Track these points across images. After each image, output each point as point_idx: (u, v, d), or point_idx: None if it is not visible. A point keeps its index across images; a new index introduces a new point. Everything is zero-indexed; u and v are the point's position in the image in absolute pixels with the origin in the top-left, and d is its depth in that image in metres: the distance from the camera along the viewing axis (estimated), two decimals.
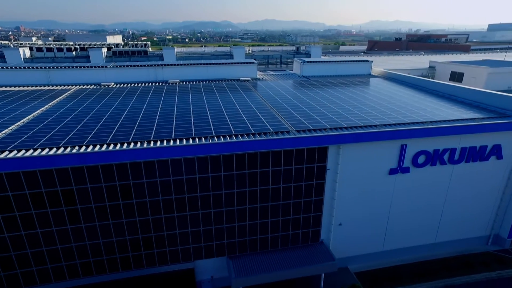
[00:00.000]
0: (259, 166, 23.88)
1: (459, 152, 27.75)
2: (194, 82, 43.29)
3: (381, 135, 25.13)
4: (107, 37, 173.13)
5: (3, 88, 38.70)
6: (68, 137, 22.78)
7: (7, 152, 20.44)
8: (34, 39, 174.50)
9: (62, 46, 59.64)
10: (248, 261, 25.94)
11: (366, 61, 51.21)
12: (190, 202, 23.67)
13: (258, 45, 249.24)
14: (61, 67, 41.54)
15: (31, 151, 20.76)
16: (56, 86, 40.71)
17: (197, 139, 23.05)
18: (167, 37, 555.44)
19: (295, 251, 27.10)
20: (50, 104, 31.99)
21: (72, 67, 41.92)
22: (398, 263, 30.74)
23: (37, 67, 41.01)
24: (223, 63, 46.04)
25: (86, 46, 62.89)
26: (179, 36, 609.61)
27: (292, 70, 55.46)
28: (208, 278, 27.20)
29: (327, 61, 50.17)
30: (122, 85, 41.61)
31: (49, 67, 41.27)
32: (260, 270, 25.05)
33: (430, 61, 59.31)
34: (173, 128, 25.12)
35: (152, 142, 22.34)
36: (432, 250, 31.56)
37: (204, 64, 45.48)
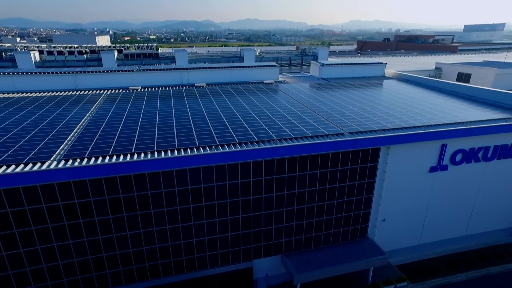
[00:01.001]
0: (319, 167, 25.14)
1: (492, 150, 29.87)
2: (221, 85, 44.01)
3: (426, 136, 26.83)
4: (96, 38, 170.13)
5: (36, 94, 38.33)
6: (135, 143, 23.33)
7: (84, 159, 20.88)
8: (18, 39, 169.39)
9: (74, 49, 58.91)
10: (303, 258, 27.16)
11: (380, 63, 53.26)
12: (254, 203, 24.67)
13: (248, 45, 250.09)
14: (88, 72, 41.45)
15: (108, 157, 21.26)
16: (84, 91, 40.58)
17: (261, 143, 24.04)
18: (151, 37, 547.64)
19: (345, 247, 28.53)
20: (92, 109, 32.12)
21: (99, 71, 41.87)
22: (432, 255, 32.68)
23: (64, 72, 40.75)
24: (247, 66, 46.95)
25: (97, 49, 62.32)
26: (162, 36, 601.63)
27: (306, 72, 56.90)
28: (263, 276, 28.23)
29: (344, 64, 51.89)
30: (150, 89, 41.86)
31: (76, 72, 41.10)
32: (317, 266, 26.32)
33: (436, 62, 62.14)
34: (232, 132, 25.97)
35: (218, 147, 23.19)
36: (463, 242, 33.66)
37: (228, 67, 46.27)
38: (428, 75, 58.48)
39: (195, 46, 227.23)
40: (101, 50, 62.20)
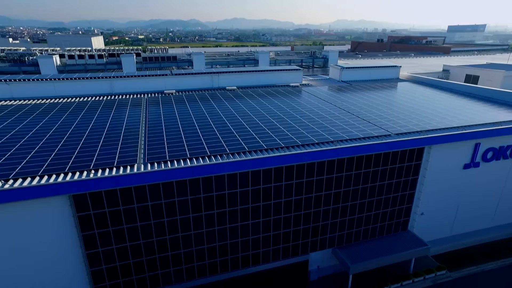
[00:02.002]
0: (372, 166, 27.36)
1: None
2: (252, 88, 45.82)
3: (464, 136, 29.40)
4: (92, 39, 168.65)
5: (79, 99, 39.33)
6: (206, 146, 25.04)
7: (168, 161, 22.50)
8: (11, 39, 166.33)
9: (94, 53, 59.54)
10: (354, 250, 29.35)
11: (395, 66, 56.03)
12: (316, 200, 26.70)
13: (242, 46, 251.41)
14: (124, 77, 42.62)
15: (200, 159, 22.93)
16: (121, 95, 41.77)
17: (322, 145, 26.09)
18: (139, 36, 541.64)
19: (389, 239, 30.86)
20: (142, 113, 33.44)
21: (135, 76, 43.10)
22: (462, 246, 35.37)
23: (100, 77, 41.84)
24: (273, 70, 48.91)
25: (116, 52, 63.05)
26: (151, 36, 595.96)
27: (323, 75, 59.19)
28: (315, 268, 30.29)
29: (362, 67, 54.41)
30: (184, 92, 43.34)
31: (112, 77, 42.23)
32: (368, 257, 28.54)
33: (444, 65, 65.48)
34: (290, 135, 27.92)
35: (287, 149, 25.14)
36: (489, 233, 36.46)
37: (256, 71, 48.14)
38: (437, 77, 61.66)
39: (190, 47, 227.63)
40: (120, 53, 63.02)
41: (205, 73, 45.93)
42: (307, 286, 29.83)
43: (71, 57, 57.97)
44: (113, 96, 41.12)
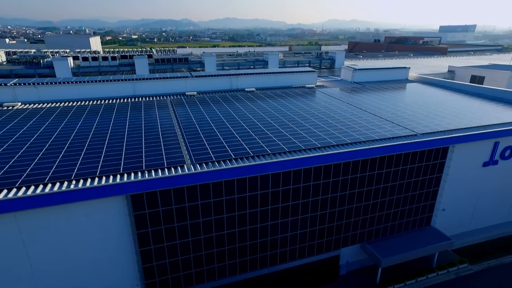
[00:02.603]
0: (401, 165, 28.74)
1: None
2: (270, 90, 46.97)
3: (486, 135, 30.96)
4: (90, 39, 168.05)
5: (104, 102, 40.02)
6: (248, 147, 26.14)
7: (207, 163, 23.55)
8: (8, 40, 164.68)
9: (107, 55, 60.00)
10: (383, 245, 30.71)
11: (404, 67, 57.71)
12: (349, 197, 27.99)
13: (239, 46, 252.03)
14: (145, 79, 43.39)
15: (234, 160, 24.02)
16: (143, 97, 42.57)
17: (353, 145, 27.40)
18: (133, 36, 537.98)
19: (415, 233, 32.29)
20: (172, 114, 34.34)
21: (156, 78, 43.90)
22: (480, 240, 36.96)
23: (123, 79, 42.56)
24: (290, 72, 50.11)
25: (128, 54, 63.57)
26: (144, 35, 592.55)
27: (334, 76, 60.60)
28: (345, 263, 31.59)
29: (373, 69, 55.95)
30: (204, 94, 44.29)
31: (135, 79, 42.98)
32: (397, 251, 29.93)
33: (449, 65, 67.48)
34: (323, 135, 29.16)
35: (324, 149, 26.38)
36: (505, 228, 38.17)
37: (273, 73, 49.24)
38: (443, 78, 63.54)
39: (188, 47, 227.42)
40: (132, 55, 63.59)
41: (224, 75, 46.94)
42: (337, 280, 31.11)
43: (84, 59, 58.36)
44: (136, 98, 41.91)
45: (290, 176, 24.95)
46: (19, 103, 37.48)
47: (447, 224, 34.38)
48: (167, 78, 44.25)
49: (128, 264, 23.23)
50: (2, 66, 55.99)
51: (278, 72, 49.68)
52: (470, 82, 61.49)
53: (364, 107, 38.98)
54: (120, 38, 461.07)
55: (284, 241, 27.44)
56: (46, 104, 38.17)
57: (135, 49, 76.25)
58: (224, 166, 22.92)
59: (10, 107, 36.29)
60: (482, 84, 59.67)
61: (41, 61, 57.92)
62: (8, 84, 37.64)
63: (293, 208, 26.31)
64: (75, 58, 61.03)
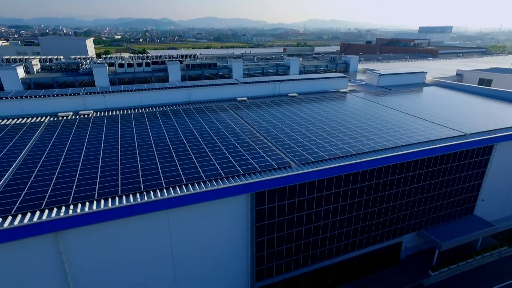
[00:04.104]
0: (456, 161, 33.27)
1: None
2: (310, 94, 50.87)
3: None
4: (86, 42, 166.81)
5: (162, 108, 42.73)
6: (330, 149, 29.94)
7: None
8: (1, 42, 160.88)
9: (141, 61, 62.04)
10: (438, 231, 35.15)
11: (422, 72, 62.93)
12: (415, 191, 32.25)
13: (232, 47, 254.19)
14: (200, 86, 46.34)
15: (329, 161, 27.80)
16: (198, 103, 45.55)
17: (417, 145, 31.69)
18: (116, 37, 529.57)
19: (461, 221, 36.94)
20: (242, 119, 37.60)
21: (209, 85, 46.92)
22: (509, 227, 42.11)
23: (180, 87, 45.38)
24: (325, 78, 54.12)
25: (159, 60, 65.74)
26: (127, 35, 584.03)
27: (356, 80, 65.16)
28: (404, 248, 35.89)
29: (396, 73, 60.77)
30: (254, 99, 47.68)
31: (189, 86, 45.88)
32: (453, 236, 34.42)
33: (457, 69, 73.42)
34: (387, 136, 33.27)
35: (395, 149, 30.52)
36: None
37: (311, 79, 53.15)
38: (453, 81, 69.28)
39: (183, 49, 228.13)
40: (164, 61, 65.90)
41: (268, 81, 50.46)
42: (398, 263, 35.34)
43: (120, 65, 60.27)
44: (191, 104, 44.84)
45: (366, 174, 28.90)
46: (91, 111, 39.74)
47: (485, 212, 39.25)
48: (218, 84, 47.32)
49: (243, 254, 26.55)
50: (44, 74, 57.24)
51: (315, 78, 53.58)
52: (478, 85, 67.39)
53: (405, 110, 43.42)
54: (104, 39, 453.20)
55: (362, 230, 31.40)
56: (112, 111, 40.56)
57: (170, 55, 78.01)
58: (326, 166, 26.54)
59: (86, 115, 38.57)
60: (490, 87, 65.65)
61: (80, 68, 59.47)
62: (80, 94, 39.84)
63: (372, 201, 30.29)
64: (110, 64, 62.88)
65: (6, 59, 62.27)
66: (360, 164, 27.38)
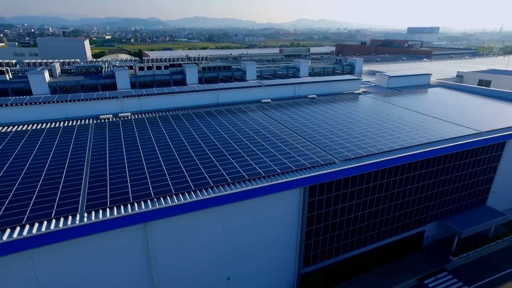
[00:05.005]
0: (473, 156, 36.78)
1: None
2: (328, 96, 53.98)
3: None
4: (85, 43, 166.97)
5: (195, 110, 45.18)
6: (368, 146, 33.02)
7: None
8: None
9: (160, 64, 64.11)
10: (457, 220, 38.62)
11: (427, 74, 66.76)
12: (438, 184, 35.62)
13: (227, 47, 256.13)
14: (227, 88, 48.89)
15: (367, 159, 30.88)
16: (226, 105, 48.12)
17: (442, 142, 35.05)
18: (106, 37, 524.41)
19: (476, 212, 40.50)
20: (273, 119, 40.36)
21: (236, 87, 49.51)
22: None
23: (209, 89, 47.86)
24: (340, 80, 57.27)
25: (176, 63, 67.87)
26: (117, 35, 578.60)
27: (365, 82, 68.68)
28: (425, 236, 39.26)
29: (404, 75, 64.42)
30: (277, 101, 50.49)
31: (218, 89, 48.39)
32: (471, 224, 37.89)
33: (458, 71, 77.71)
34: (409, 135, 36.51)
35: (424, 146, 33.81)
36: None
37: (328, 81, 56.22)
38: (454, 81, 73.41)
39: (182, 50, 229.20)
40: (180, 64, 68.14)
41: (289, 83, 53.33)
42: (421, 250, 38.66)
43: (141, 68, 62.25)
44: (220, 106, 47.39)
45: (399, 169, 32.09)
46: (129, 113, 41.91)
47: (496, 203, 42.95)
48: (244, 87, 49.96)
49: (292, 243, 29.36)
50: (67, 78, 58.84)
51: (331, 81, 56.68)
52: (477, 86, 71.64)
53: (419, 110, 46.85)
54: (94, 39, 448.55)
55: (392, 220, 34.60)
56: (147, 114, 42.84)
57: (185, 58, 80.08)
58: (367, 162, 29.57)
59: (126, 117, 40.74)
60: (489, 87, 69.93)
61: (103, 71, 61.24)
62: (118, 97, 41.98)
63: (401, 193, 33.51)
64: (130, 67, 64.80)
65: (26, 63, 63.55)
66: (394, 160, 30.51)
